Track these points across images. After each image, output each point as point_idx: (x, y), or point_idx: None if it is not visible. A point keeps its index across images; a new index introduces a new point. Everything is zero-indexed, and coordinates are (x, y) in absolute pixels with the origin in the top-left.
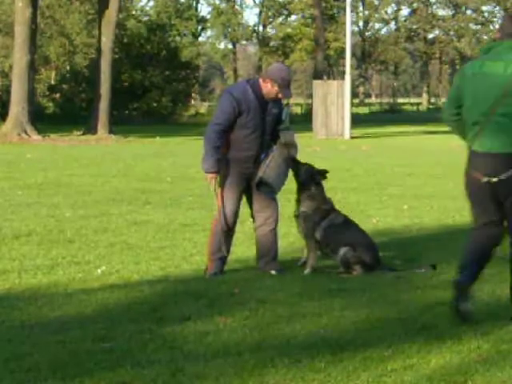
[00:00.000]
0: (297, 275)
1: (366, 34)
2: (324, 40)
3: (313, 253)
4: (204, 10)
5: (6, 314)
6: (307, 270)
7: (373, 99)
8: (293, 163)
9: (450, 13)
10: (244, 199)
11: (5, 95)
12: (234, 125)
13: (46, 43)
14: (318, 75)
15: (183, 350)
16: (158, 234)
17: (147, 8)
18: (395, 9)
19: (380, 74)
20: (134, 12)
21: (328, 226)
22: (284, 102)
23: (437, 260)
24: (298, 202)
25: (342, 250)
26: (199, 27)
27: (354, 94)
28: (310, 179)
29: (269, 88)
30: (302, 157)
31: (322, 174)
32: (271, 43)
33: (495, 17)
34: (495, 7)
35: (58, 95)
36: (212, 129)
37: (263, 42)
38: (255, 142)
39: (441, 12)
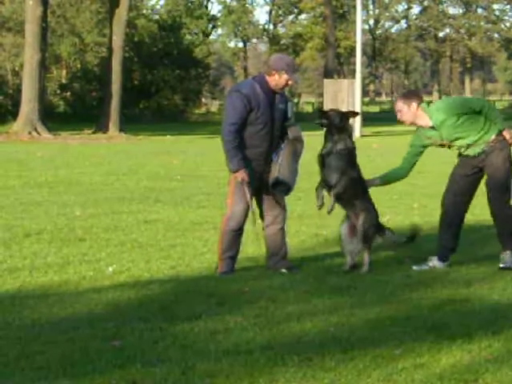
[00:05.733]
0: (307, 273)
1: (377, 32)
2: (334, 38)
3: (338, 189)
4: (215, 9)
5: (17, 312)
6: (332, 202)
7: (383, 97)
8: (320, 113)
9: (461, 11)
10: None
11: (16, 94)
12: (245, 122)
13: (57, 42)
14: (328, 74)
15: (194, 349)
16: (169, 232)
17: (158, 7)
18: (406, 7)
19: (391, 72)
20: (144, 11)
21: (356, 177)
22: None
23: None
24: (331, 141)
25: (362, 216)
26: (210, 26)
27: (365, 93)
28: (342, 119)
29: (277, 80)
30: (312, 155)
31: (352, 112)
32: (281, 42)
33: (506, 15)
34: (506, 5)
35: (68, 94)
36: (228, 129)
37: (273, 40)
38: (265, 138)
39: (451, 10)
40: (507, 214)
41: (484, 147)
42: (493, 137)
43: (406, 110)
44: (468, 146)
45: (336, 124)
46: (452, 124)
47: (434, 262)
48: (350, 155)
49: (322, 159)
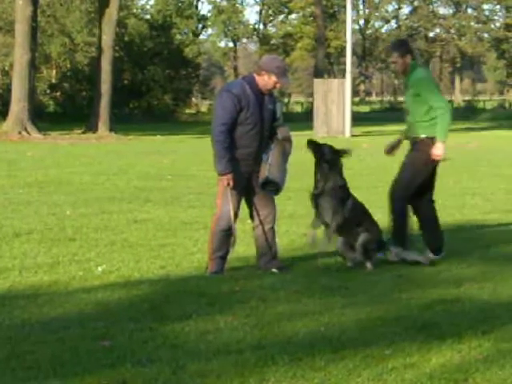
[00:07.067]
0: (297, 273)
1: (367, 32)
2: (325, 38)
3: (333, 229)
4: (205, 9)
5: (7, 312)
6: (325, 239)
7: (373, 97)
8: (313, 145)
9: (451, 11)
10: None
11: (5, 93)
12: (235, 122)
13: (47, 41)
14: (318, 73)
15: (184, 348)
16: (159, 232)
17: (148, 6)
18: (396, 7)
19: (381, 72)
20: (134, 10)
21: (354, 205)
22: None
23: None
24: (322, 179)
25: (362, 237)
26: (200, 25)
27: (355, 93)
28: (335, 156)
29: (266, 80)
30: (303, 154)
31: (344, 151)
32: (272, 41)
33: (496, 15)
34: (496, 5)
35: (58, 93)
36: (219, 130)
37: (264, 40)
38: (255, 138)
39: (442, 10)
40: (399, 208)
41: (414, 137)
42: (423, 136)
43: (401, 63)
44: (407, 124)
45: (328, 160)
46: (412, 94)
47: (430, 255)
48: (341, 191)
49: (315, 199)
